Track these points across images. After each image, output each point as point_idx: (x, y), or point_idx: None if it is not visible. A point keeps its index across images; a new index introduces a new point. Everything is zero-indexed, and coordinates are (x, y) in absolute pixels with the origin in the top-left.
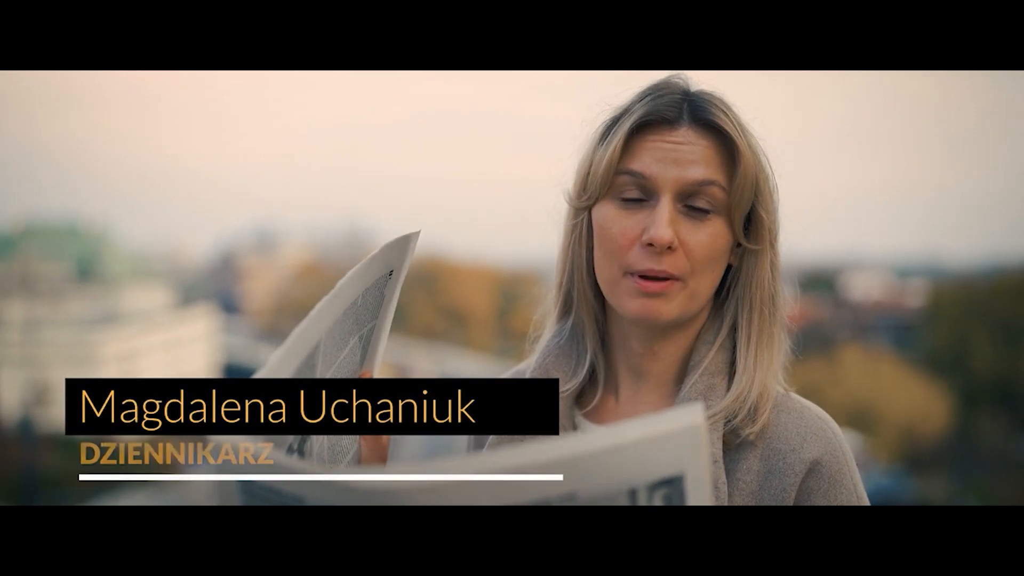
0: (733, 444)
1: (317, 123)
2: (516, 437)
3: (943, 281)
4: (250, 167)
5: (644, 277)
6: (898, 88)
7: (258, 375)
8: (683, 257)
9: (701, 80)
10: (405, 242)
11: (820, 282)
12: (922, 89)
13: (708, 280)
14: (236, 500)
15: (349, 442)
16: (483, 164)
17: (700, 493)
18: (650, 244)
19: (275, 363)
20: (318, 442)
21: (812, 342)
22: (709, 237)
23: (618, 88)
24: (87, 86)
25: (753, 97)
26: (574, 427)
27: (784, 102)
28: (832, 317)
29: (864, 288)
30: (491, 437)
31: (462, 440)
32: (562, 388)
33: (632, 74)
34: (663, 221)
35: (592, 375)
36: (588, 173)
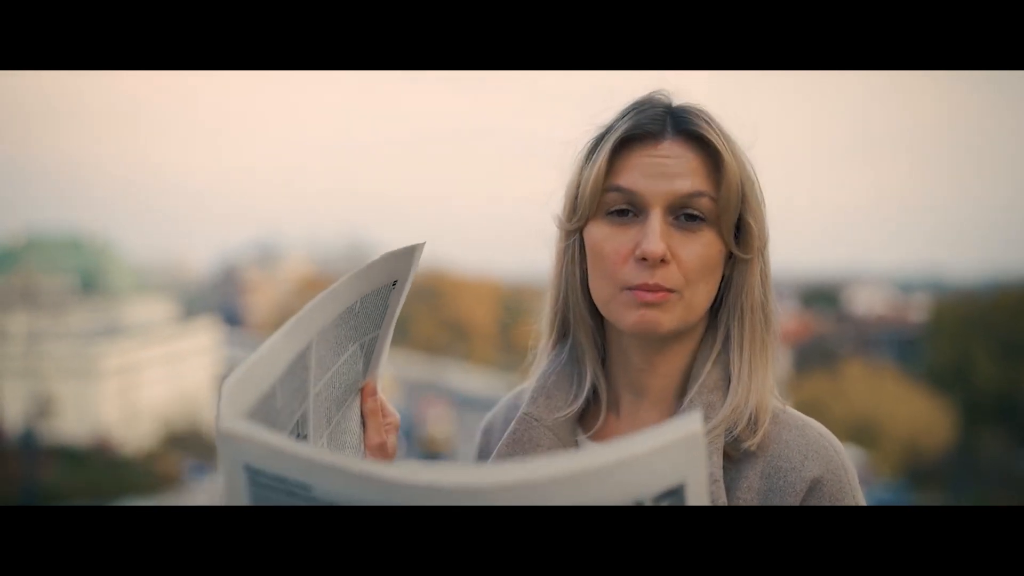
0: (735, 458)
1: (320, 138)
2: (523, 450)
3: (945, 296)
4: (253, 181)
5: (640, 290)
6: (902, 104)
7: (244, 366)
8: (676, 270)
9: (692, 89)
10: (410, 253)
11: (823, 296)
12: (926, 106)
13: (704, 290)
14: (243, 491)
15: (352, 451)
16: (485, 178)
17: (700, 501)
18: (643, 259)
19: (265, 354)
20: (317, 446)
21: (815, 356)
22: (702, 247)
23: (614, 100)
24: (91, 99)
25: (757, 114)
26: (577, 446)
27: (789, 118)
28: (835, 331)
29: (867, 302)
30: (497, 448)
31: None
32: (564, 412)
33: (632, 75)
34: (655, 235)
35: (594, 395)
36: (576, 194)
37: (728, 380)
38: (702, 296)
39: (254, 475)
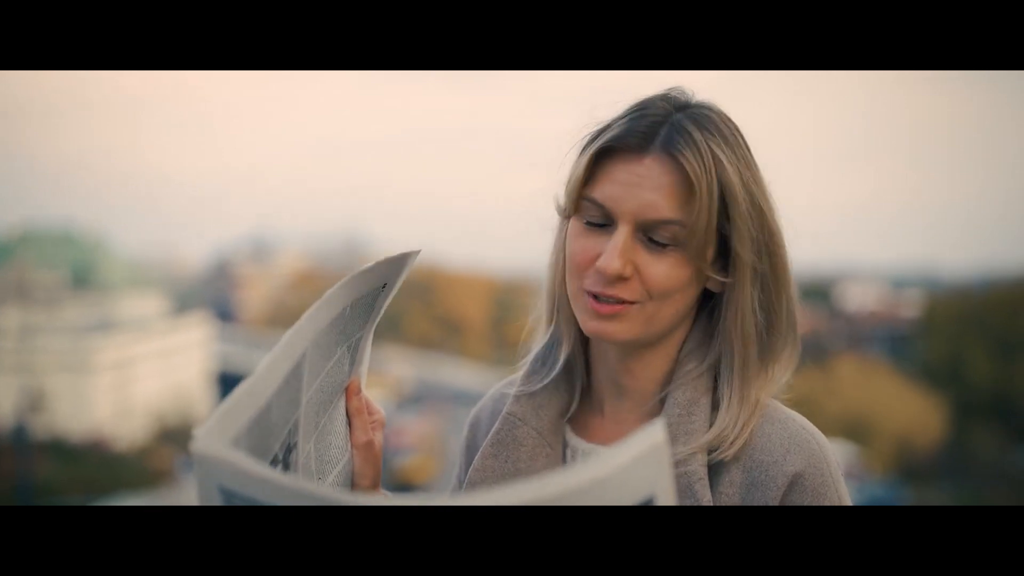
0: (712, 460)
1: (314, 134)
2: (507, 450)
3: (938, 292)
4: (247, 176)
5: (596, 299)
6: (896, 102)
7: (241, 388)
8: (639, 285)
9: (704, 89)
10: (403, 259)
11: (816, 292)
12: (920, 103)
13: (669, 308)
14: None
15: (338, 452)
16: (478, 175)
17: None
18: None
19: (263, 373)
20: (304, 452)
21: (807, 352)
22: (667, 268)
23: (610, 96)
24: (85, 94)
25: (750, 110)
26: (564, 444)
27: (783, 117)
28: (827, 327)
29: (859, 298)
30: (474, 463)
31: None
32: (531, 387)
33: (630, 75)
34: (614, 252)
35: (580, 392)
36: (566, 187)
37: (714, 378)
38: (666, 312)
39: (229, 496)
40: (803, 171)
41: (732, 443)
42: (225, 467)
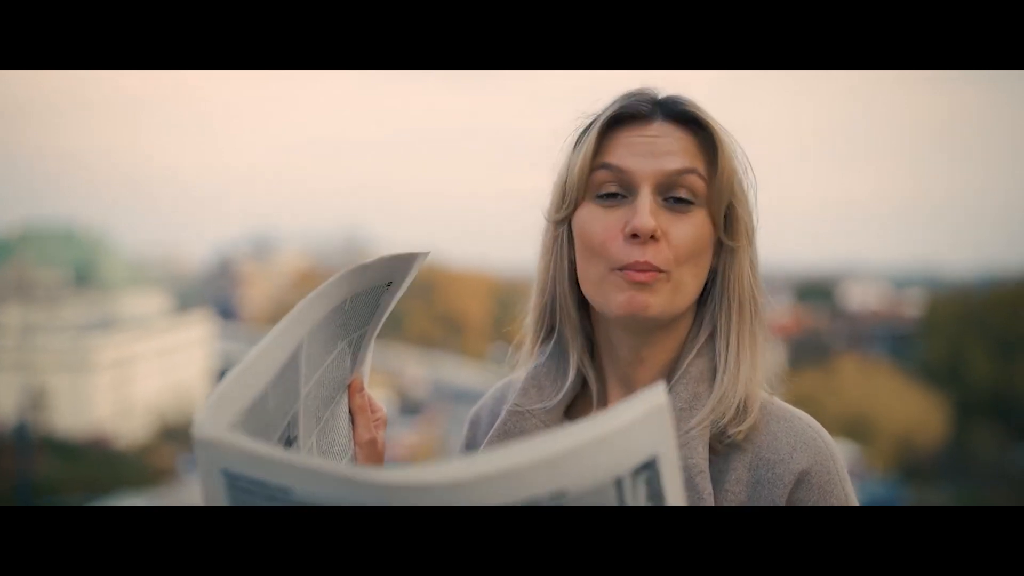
0: (720, 450)
1: (316, 132)
2: (510, 438)
3: (940, 292)
4: (248, 174)
5: (631, 269)
6: (897, 102)
7: (234, 372)
8: (667, 248)
9: (692, 89)
10: (411, 259)
11: (817, 291)
12: (921, 103)
13: (692, 274)
14: (222, 496)
15: (340, 450)
16: (478, 175)
17: (672, 472)
18: (634, 235)
19: (254, 360)
20: (306, 446)
21: (809, 351)
22: (692, 228)
23: (606, 96)
24: (85, 94)
25: (753, 109)
26: None
27: (783, 113)
28: (829, 326)
29: (861, 298)
30: (486, 442)
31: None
32: (547, 403)
33: (629, 75)
34: (645, 210)
35: (584, 388)
36: (566, 179)
37: (715, 371)
38: (690, 280)
39: (232, 480)
40: (803, 171)
41: (742, 417)
42: (228, 449)
